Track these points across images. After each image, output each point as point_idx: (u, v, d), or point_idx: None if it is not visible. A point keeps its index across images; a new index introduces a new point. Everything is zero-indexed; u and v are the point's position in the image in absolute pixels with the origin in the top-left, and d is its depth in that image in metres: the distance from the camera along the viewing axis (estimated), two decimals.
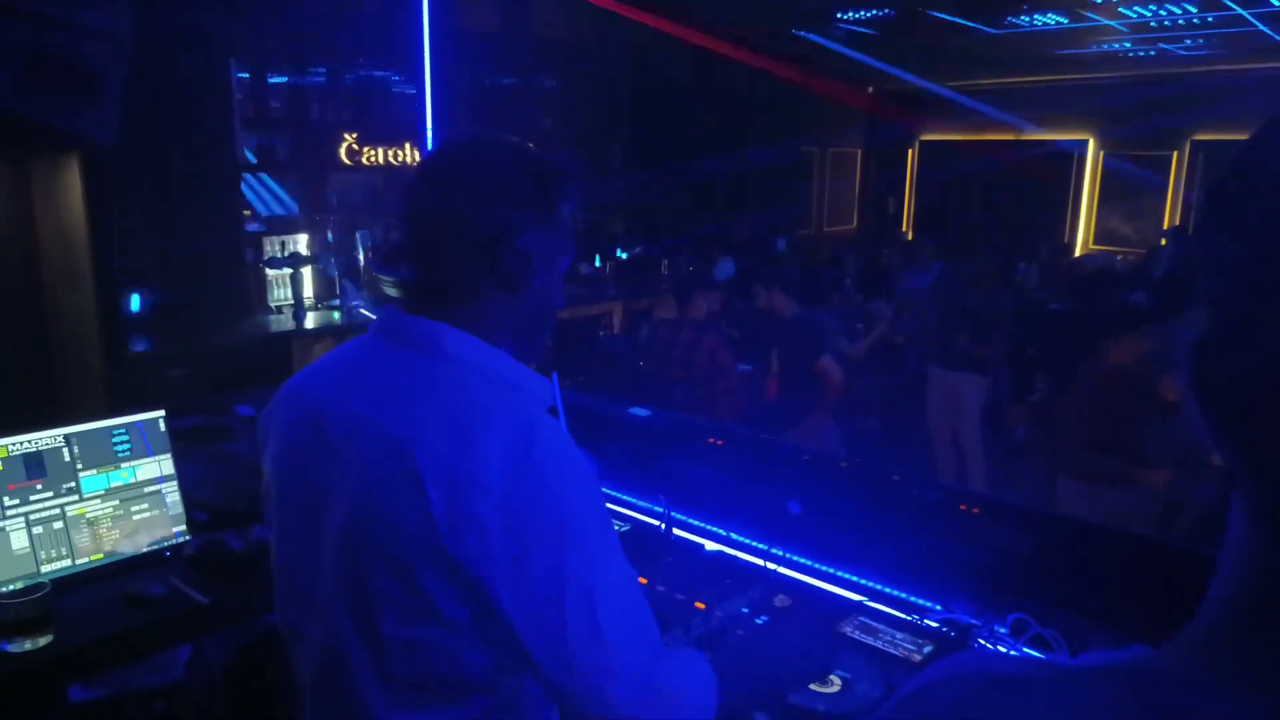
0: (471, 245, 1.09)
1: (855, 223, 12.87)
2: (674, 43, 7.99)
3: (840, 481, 2.34)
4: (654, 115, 8.60)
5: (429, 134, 3.45)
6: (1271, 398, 0.40)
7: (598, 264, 7.83)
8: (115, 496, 2.03)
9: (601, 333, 6.29)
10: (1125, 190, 10.64)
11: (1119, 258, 10.11)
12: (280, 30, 6.00)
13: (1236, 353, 0.41)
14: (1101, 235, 10.85)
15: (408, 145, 7.16)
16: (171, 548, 2.06)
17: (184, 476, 2.12)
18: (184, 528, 2.10)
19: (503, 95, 7.95)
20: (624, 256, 8.11)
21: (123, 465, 2.05)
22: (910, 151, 12.54)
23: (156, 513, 2.08)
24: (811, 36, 8.31)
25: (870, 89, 12.52)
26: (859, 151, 12.83)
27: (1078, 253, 10.36)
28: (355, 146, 6.69)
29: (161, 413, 2.12)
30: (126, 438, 2.06)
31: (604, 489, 2.46)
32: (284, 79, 6.43)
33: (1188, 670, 0.44)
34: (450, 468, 0.99)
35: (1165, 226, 10.14)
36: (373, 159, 6.76)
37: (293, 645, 1.20)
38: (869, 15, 7.70)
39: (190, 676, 2.19)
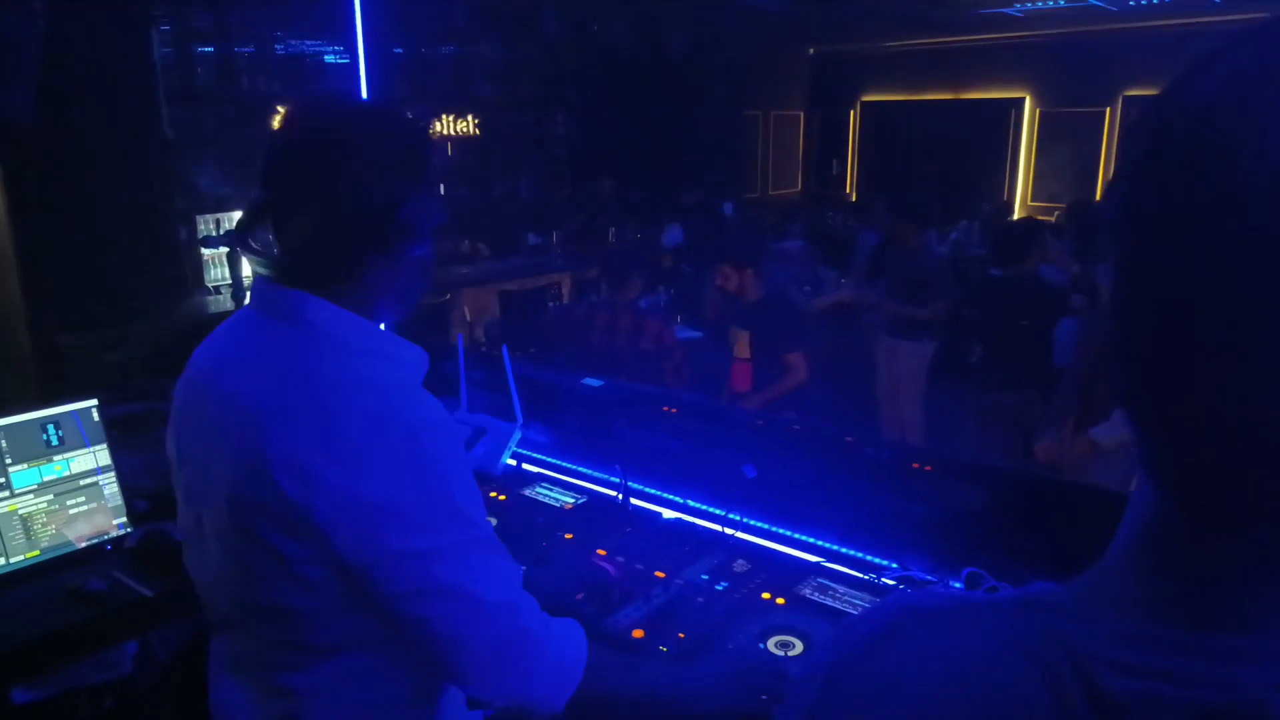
0: (352, 217, 1.08)
1: (800, 185, 12.91)
2: (616, 7, 7.87)
3: (794, 444, 2.35)
4: (597, 81, 8.49)
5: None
6: (1158, 366, 0.43)
7: (539, 237, 7.74)
8: (49, 490, 1.95)
9: (551, 304, 6.22)
10: (1062, 147, 10.82)
11: (1056, 214, 10.35)
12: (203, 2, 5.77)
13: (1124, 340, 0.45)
14: (1040, 192, 11.04)
15: None
16: (113, 540, 1.99)
17: (122, 466, 2.05)
18: (125, 519, 2.03)
19: (440, 63, 7.77)
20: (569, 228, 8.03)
21: (55, 457, 1.97)
22: (852, 113, 12.58)
23: (94, 505, 2.00)
24: None
25: (811, 50, 12.51)
26: (801, 114, 12.84)
27: (1018, 209, 10.53)
28: None
29: (94, 401, 2.03)
30: (58, 429, 1.98)
31: (560, 461, 2.46)
32: (209, 49, 6.20)
33: (1077, 603, 0.49)
34: (308, 440, 1.01)
35: (1100, 182, 10.37)
36: None
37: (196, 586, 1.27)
38: None
39: (138, 671, 2.13)
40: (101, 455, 2.03)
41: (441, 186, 1.21)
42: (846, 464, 2.21)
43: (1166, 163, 0.42)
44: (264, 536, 1.03)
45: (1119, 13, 9.22)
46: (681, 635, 1.62)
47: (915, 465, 2.24)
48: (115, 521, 2.02)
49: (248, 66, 6.52)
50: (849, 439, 2.32)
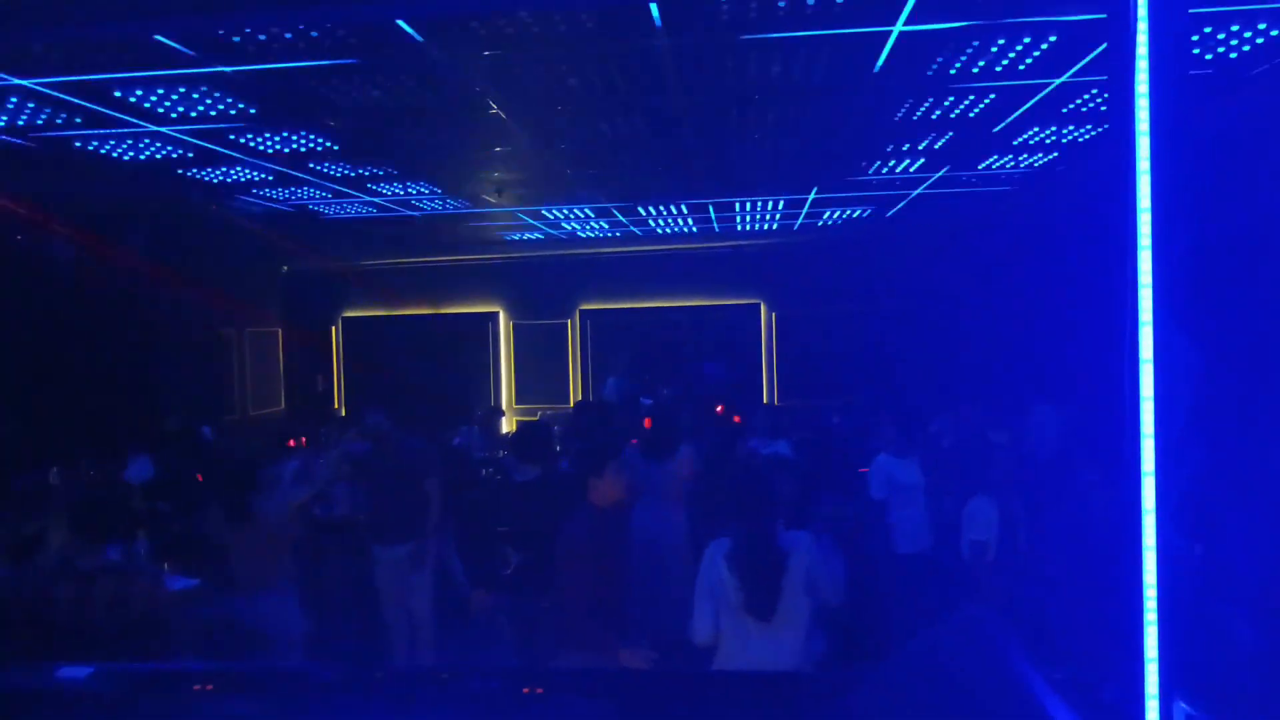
0: None
1: (283, 403, 12.14)
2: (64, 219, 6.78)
3: (385, 697, 1.91)
4: (30, 302, 7.09)
5: None
6: None
7: None
8: None
9: None
10: (536, 354, 11.89)
11: (540, 413, 11.18)
12: None
13: None
14: (522, 394, 11.88)
15: None
16: None
17: None
18: None
19: None
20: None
21: None
22: (334, 329, 12.40)
23: None
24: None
25: (285, 268, 12.19)
26: (279, 330, 12.29)
27: (506, 410, 11.13)
28: None
29: None
30: None
31: None
32: None
33: None
34: None
35: (571, 383, 11.56)
36: None
37: None
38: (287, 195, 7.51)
39: None
40: None
41: None
42: (455, 702, 1.83)
43: None
44: None
45: (578, 240, 10.70)
46: None
47: (525, 690, 1.96)
48: None
49: None
50: (446, 676, 1.95)
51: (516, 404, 11.80)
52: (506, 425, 10.46)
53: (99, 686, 1.89)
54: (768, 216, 9.59)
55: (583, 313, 11.84)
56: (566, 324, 11.81)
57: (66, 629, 2.97)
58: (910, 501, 5.21)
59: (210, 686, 1.92)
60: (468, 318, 12.04)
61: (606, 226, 9.95)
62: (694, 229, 10.28)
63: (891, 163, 6.78)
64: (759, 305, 11.53)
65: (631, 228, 10.04)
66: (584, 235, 10.53)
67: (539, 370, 11.91)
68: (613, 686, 1.96)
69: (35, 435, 6.96)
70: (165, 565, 4.46)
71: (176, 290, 8.91)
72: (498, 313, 12.03)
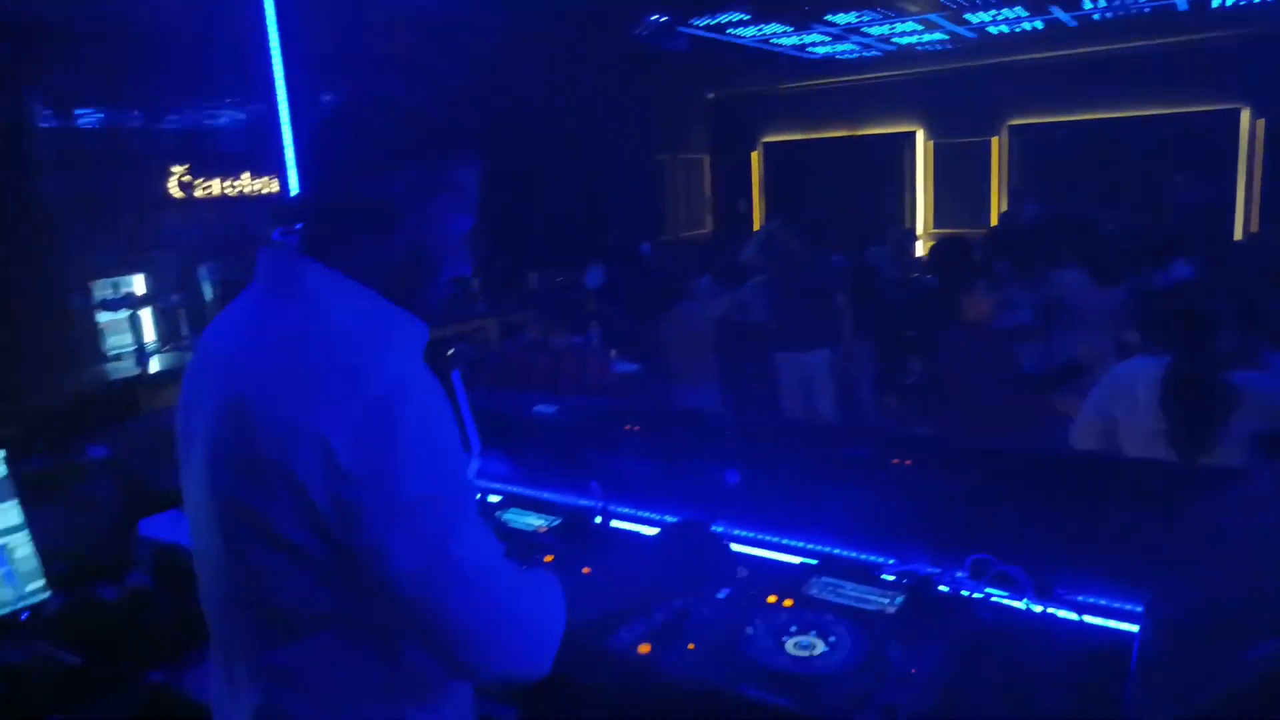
0: (337, 186, 1.15)
1: (709, 226, 13.11)
2: (522, 54, 7.87)
3: (768, 449, 2.27)
4: (505, 128, 8.44)
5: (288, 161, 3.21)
6: None
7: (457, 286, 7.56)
8: None
9: (478, 354, 6.06)
10: (955, 176, 11.30)
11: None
12: (90, 63, 5.50)
13: None
14: (940, 218, 11.47)
15: (245, 175, 6.73)
16: (30, 608, 1.75)
17: (36, 525, 1.81)
18: (42, 583, 1.79)
19: None
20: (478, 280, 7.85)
21: None
22: (754, 154, 12.89)
23: (4, 570, 1.76)
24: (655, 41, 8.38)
25: (710, 95, 12.81)
26: (705, 158, 13.10)
27: (920, 235, 10.89)
28: (187, 179, 6.21)
29: (1, 452, 1.80)
30: None
31: (524, 490, 2.30)
32: (98, 114, 5.90)
33: None
34: (287, 393, 1.02)
35: (994, 206, 10.85)
36: (207, 191, 6.29)
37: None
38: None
39: None
40: (12, 513, 1.79)
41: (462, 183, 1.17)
42: (825, 464, 2.13)
43: None
44: (245, 499, 1.04)
45: (1001, 46, 9.72)
46: (691, 646, 1.49)
47: (895, 461, 2.18)
48: (30, 587, 1.78)
49: (138, 128, 6.23)
50: (822, 438, 2.25)
51: (934, 227, 11.43)
52: (921, 249, 10.24)
53: (561, 419, 2.53)
54: None
55: (1011, 129, 10.90)
56: (991, 141, 10.98)
57: (542, 388, 3.83)
58: None
59: (637, 427, 2.44)
60: (885, 139, 11.74)
61: (1041, 26, 8.87)
62: (1146, 11, 8.48)
63: None
64: (1238, 111, 9.60)
65: (1067, 20, 8.66)
66: (1010, 35, 9.41)
67: (958, 191, 11.34)
68: (974, 461, 2.11)
69: (518, 247, 8.47)
70: (613, 352, 5.33)
71: (622, 119, 9.92)
72: (915, 132, 11.55)
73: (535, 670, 1.16)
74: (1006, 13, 8.15)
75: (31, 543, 1.79)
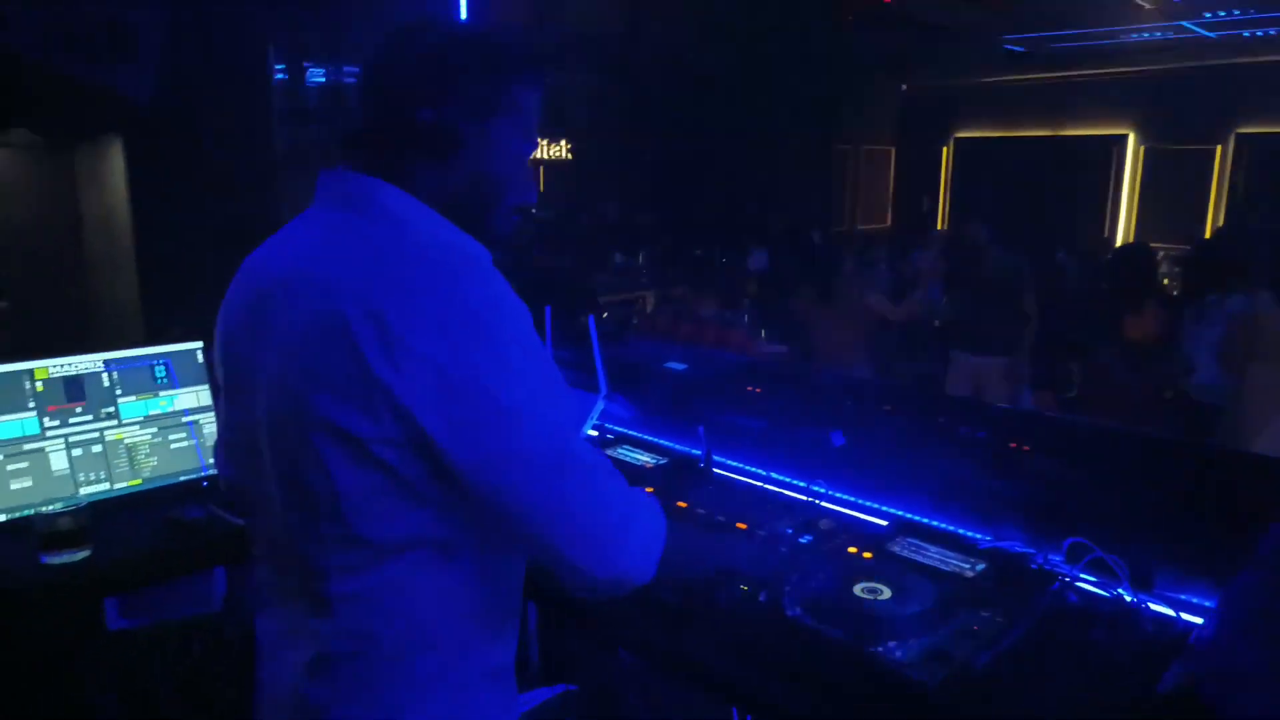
0: (396, 114, 1.14)
1: (889, 220, 12.77)
2: (708, 37, 7.97)
3: (883, 416, 2.28)
4: (688, 110, 8.59)
5: None
6: None
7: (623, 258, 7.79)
8: (154, 424, 2.03)
9: (635, 319, 6.28)
10: (1168, 184, 10.44)
11: (1159, 252, 9.92)
12: (318, 22, 6.05)
13: None
14: (1144, 231, 10.65)
15: None
16: (210, 478, 2.06)
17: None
18: None
19: None
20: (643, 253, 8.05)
21: (161, 394, 2.05)
22: (945, 149, 12.41)
23: (194, 442, 2.07)
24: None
25: (903, 86, 12.44)
26: (892, 150, 12.75)
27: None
28: None
29: (199, 344, 2.12)
30: (165, 367, 2.06)
31: (642, 435, 2.44)
32: (321, 71, 6.48)
33: None
34: (379, 307, 1.00)
35: (1209, 221, 9.96)
36: None
37: (242, 511, 1.26)
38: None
39: (226, 613, 2.17)
40: (204, 395, 2.10)
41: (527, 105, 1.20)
42: (938, 438, 2.13)
43: None
44: (335, 421, 1.01)
45: (1229, 47, 8.90)
46: (745, 588, 1.56)
47: (1013, 445, 2.15)
48: (212, 459, 2.08)
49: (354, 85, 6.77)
50: (941, 418, 2.24)
51: (1135, 239, 10.63)
52: None
53: (689, 375, 2.64)
54: None
55: (1239, 137, 9.95)
56: (1214, 150, 10.07)
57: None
58: None
59: (759, 389, 2.52)
60: (1090, 140, 11.00)
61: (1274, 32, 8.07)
62: None
63: None
64: None
65: None
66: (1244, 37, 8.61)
67: (1170, 202, 10.47)
68: (1093, 448, 2.04)
69: (687, 227, 8.62)
70: (763, 332, 5.38)
71: (808, 107, 9.82)
72: (1126, 135, 10.75)
73: (644, 573, 1.17)
74: (1255, 15, 7.47)
75: (216, 421, 2.10)
